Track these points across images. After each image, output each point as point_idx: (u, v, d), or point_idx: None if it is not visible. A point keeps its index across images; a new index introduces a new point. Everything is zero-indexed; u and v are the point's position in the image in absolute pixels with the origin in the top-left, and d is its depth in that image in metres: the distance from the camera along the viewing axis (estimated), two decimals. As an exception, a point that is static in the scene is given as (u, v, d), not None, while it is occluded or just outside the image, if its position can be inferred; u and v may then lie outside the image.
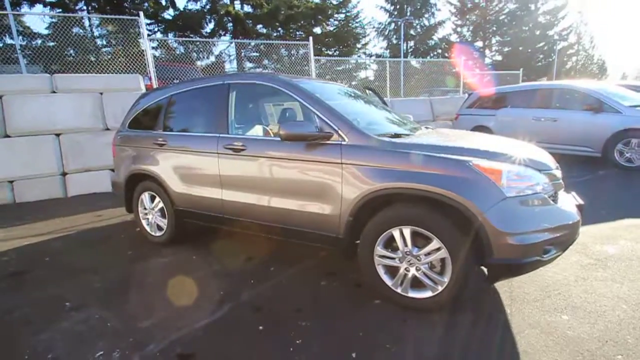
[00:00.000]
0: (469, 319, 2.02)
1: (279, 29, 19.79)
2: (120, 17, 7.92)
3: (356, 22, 24.50)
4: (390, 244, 2.14)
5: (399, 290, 2.13)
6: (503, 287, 2.32)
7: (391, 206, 2.08)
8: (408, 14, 24.70)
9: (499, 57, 29.69)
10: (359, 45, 25.32)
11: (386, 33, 26.49)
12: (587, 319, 1.97)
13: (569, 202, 2.13)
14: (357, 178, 2.13)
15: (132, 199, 3.52)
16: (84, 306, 2.35)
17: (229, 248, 3.25)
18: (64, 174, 5.73)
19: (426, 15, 25.71)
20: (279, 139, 2.43)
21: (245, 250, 3.15)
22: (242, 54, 16.59)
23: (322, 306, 2.25)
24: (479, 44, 29.98)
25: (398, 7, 25.61)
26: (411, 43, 25.65)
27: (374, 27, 25.57)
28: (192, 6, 18.04)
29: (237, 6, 17.89)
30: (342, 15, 24.44)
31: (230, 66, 17.57)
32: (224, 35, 19.72)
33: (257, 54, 16.71)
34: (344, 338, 1.91)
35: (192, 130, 3.06)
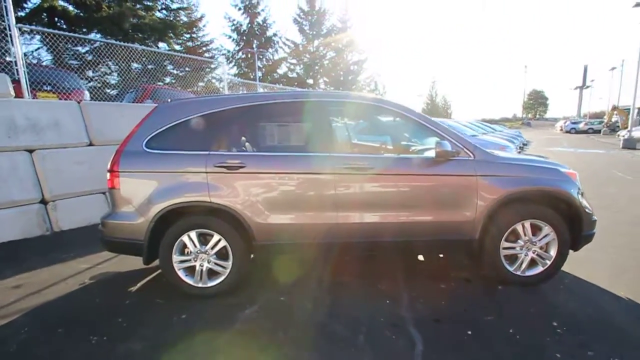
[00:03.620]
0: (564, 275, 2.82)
1: (119, 38, 16.84)
2: None
3: (202, 43, 23.87)
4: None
5: (518, 273, 2.71)
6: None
7: (512, 205, 2.65)
8: (254, 47, 26.09)
9: (326, 94, 35.45)
10: (207, 69, 24.61)
11: (235, 61, 26.96)
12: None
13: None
14: (490, 186, 2.59)
15: (159, 245, 2.58)
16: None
17: (295, 279, 2.90)
18: None
19: (270, 50, 27.89)
20: (408, 156, 2.60)
21: (317, 276, 2.94)
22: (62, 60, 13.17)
23: (471, 303, 2.52)
24: (310, 81, 34.91)
25: (244, 38, 26.67)
26: (259, 73, 27.08)
27: (223, 54, 25.51)
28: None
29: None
30: (188, 35, 23.33)
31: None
32: (31, 34, 15.03)
33: (78, 62, 13.72)
34: (529, 315, 2.31)
35: (284, 150, 2.66)
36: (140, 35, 17.15)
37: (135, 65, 12.67)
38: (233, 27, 26.67)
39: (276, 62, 28.83)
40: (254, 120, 2.75)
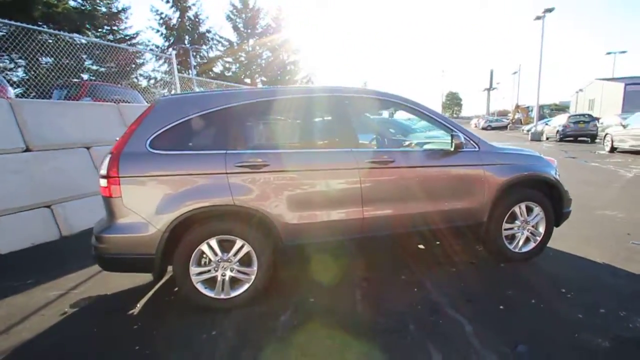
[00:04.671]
0: (547, 249, 3.21)
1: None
2: None
3: (125, 37, 21.70)
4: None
5: (516, 250, 3.02)
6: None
7: (511, 190, 2.92)
8: (187, 42, 24.47)
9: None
10: (133, 65, 22.42)
11: (165, 58, 24.91)
12: (566, 237, 3.65)
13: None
14: (494, 174, 2.83)
15: (173, 258, 2.30)
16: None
17: (314, 278, 2.84)
18: None
19: (204, 47, 26.44)
20: (422, 149, 2.72)
21: (336, 273, 2.92)
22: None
23: (488, 281, 2.74)
24: (248, 80, 34.01)
25: (175, 33, 24.83)
26: (194, 72, 25.48)
27: (151, 50, 23.38)
28: None
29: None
30: (108, 28, 21.02)
31: None
32: None
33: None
34: (539, 286, 2.59)
35: (304, 146, 2.55)
36: (52, 25, 14.86)
37: (46, 59, 10.94)
38: (161, 21, 24.66)
39: (211, 60, 27.48)
40: (272, 115, 2.60)
